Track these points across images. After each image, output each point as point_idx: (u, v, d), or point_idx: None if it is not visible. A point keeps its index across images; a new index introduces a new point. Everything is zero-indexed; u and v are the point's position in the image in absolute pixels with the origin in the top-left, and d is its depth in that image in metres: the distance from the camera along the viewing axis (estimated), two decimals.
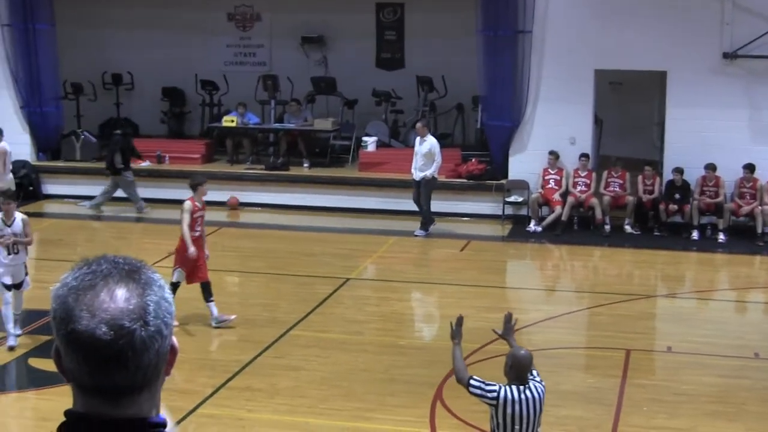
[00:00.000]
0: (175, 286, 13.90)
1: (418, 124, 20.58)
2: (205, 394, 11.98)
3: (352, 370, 12.92)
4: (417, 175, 20.10)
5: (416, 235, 20.17)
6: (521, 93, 21.45)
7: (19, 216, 13.68)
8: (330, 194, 22.37)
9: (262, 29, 26.76)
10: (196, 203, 14.31)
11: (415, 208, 20.46)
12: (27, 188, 23.45)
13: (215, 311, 14.32)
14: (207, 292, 14.29)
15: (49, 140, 24.50)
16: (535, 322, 14.74)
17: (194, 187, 14.39)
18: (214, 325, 14.30)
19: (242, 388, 12.27)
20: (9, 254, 13.55)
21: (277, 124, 24.40)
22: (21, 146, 23.72)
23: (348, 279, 16.80)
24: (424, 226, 20.28)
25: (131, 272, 2.36)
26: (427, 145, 20.02)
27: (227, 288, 17.13)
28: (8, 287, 13.62)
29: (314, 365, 13.07)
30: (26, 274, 13.86)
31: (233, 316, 14.48)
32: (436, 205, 20.52)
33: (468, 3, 21.79)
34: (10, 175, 20.40)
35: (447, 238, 20.23)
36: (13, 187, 19.85)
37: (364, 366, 13.08)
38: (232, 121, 23.71)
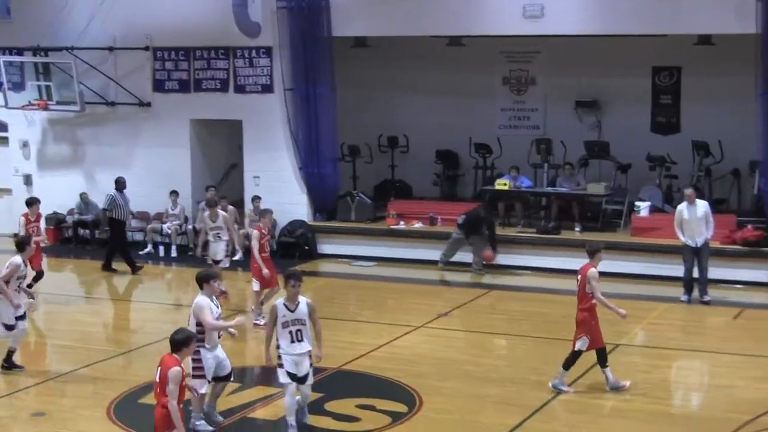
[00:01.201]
0: (576, 355, 14.08)
1: (688, 191, 20.09)
2: None
3: None
4: (697, 241, 19.62)
5: (702, 301, 19.72)
6: None
7: (303, 300, 12.37)
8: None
9: (537, 93, 26.93)
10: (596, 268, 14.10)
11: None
12: (303, 247, 24.30)
13: (611, 377, 14.24)
14: (602, 358, 14.26)
15: (326, 201, 25.19)
16: None
17: (592, 254, 14.19)
18: (608, 389, 14.20)
19: None
20: (292, 342, 12.21)
21: (549, 188, 24.46)
22: (298, 206, 24.68)
23: (618, 345, 16.55)
24: (705, 291, 19.79)
25: None
26: (701, 209, 19.59)
27: (495, 350, 17.24)
28: (293, 378, 12.26)
29: None
30: (311, 365, 12.42)
31: (628, 383, 14.32)
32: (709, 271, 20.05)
33: (748, 66, 21.23)
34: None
35: (720, 305, 19.70)
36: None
37: None
38: (505, 184, 23.92)
